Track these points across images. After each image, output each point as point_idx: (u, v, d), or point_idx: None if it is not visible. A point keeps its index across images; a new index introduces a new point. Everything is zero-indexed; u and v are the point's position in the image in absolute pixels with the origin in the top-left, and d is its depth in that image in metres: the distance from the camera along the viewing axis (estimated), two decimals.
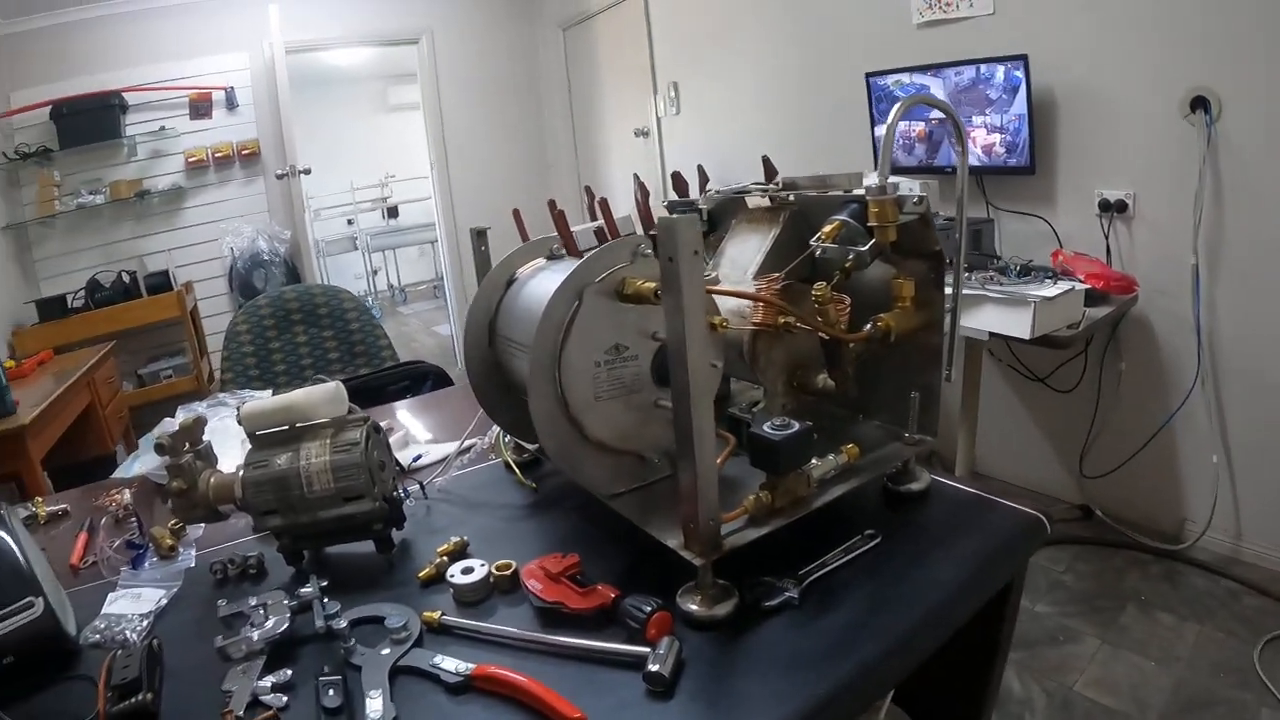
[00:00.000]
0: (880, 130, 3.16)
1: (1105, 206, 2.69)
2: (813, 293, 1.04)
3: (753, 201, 1.21)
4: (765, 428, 0.94)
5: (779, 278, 1.06)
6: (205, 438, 1.19)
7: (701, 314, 0.83)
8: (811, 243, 1.07)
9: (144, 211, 4.87)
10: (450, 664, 0.88)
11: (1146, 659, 2.29)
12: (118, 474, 1.67)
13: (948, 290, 1.10)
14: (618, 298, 1.01)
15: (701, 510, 0.87)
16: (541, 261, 1.25)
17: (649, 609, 0.89)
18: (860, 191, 1.06)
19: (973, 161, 2.85)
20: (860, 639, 0.88)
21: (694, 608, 0.91)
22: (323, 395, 1.12)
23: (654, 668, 0.82)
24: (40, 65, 4.62)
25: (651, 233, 1.22)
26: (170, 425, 1.17)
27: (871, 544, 1.02)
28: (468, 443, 1.43)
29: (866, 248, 1.02)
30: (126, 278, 4.59)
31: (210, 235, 5.00)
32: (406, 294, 8.51)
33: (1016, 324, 2.33)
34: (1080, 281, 2.49)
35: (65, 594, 1.10)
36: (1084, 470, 2.95)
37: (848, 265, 1.04)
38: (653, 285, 0.97)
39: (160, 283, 4.65)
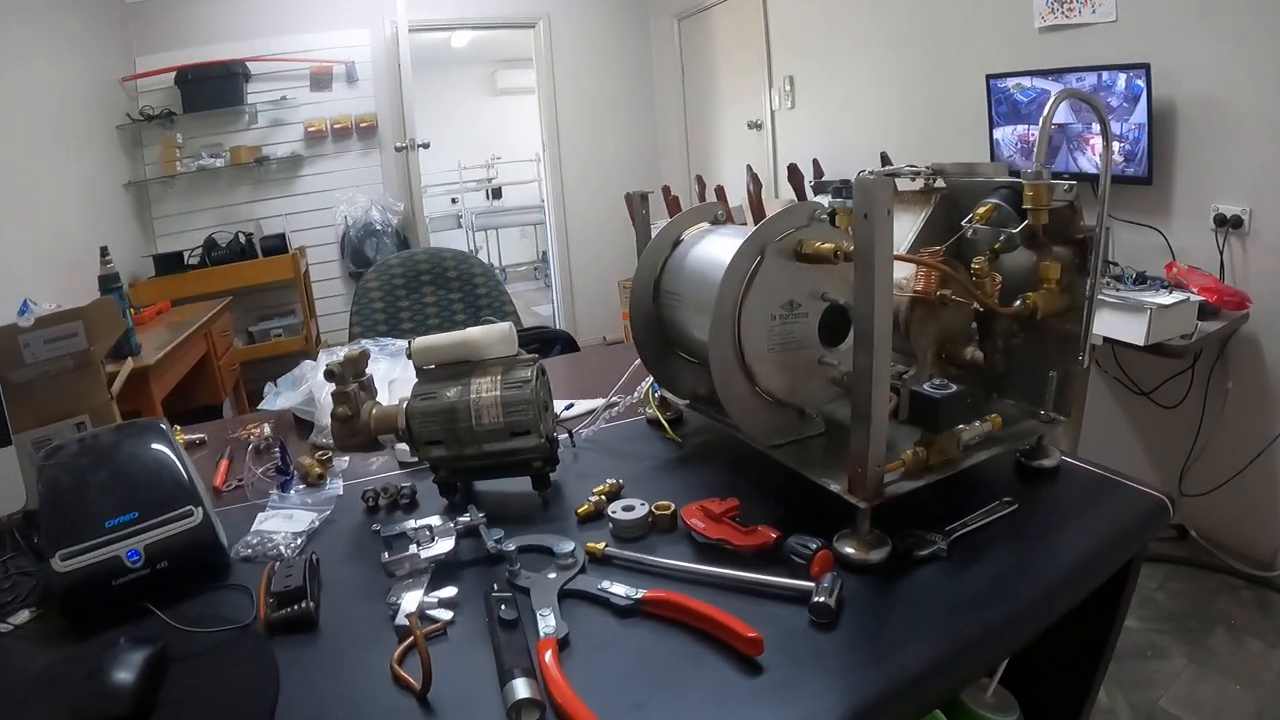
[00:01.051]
0: (1000, 132, 3.16)
1: (1221, 221, 2.64)
2: (972, 265, 1.07)
3: (904, 184, 1.23)
4: (925, 387, 0.97)
5: (940, 250, 1.08)
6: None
7: (889, 268, 0.86)
8: (964, 223, 1.10)
9: (262, 177, 5.05)
10: (620, 588, 0.92)
11: (1232, 682, 2.27)
12: (262, 407, 1.74)
13: None
14: (795, 257, 1.05)
15: (871, 456, 0.91)
16: (706, 226, 1.29)
17: (814, 546, 0.93)
18: (1010, 178, 1.10)
19: (1090, 169, 2.83)
20: (1004, 590, 0.91)
21: (851, 551, 0.95)
22: (497, 334, 1.17)
23: (820, 599, 0.85)
24: (168, 33, 4.80)
25: (832, 198, 1.26)
26: (337, 354, 1.22)
27: (1009, 510, 1.05)
28: (614, 400, 1.47)
29: (1018, 230, 1.05)
30: (243, 238, 4.77)
31: (325, 204, 5.17)
32: (507, 273, 8.58)
33: (1132, 330, 2.32)
34: (1194, 294, 2.45)
35: (219, 522, 1.14)
36: (1183, 489, 2.89)
37: (998, 246, 1.06)
38: (831, 246, 1.01)
39: (276, 245, 4.82)
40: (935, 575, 0.94)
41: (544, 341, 2.12)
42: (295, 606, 0.94)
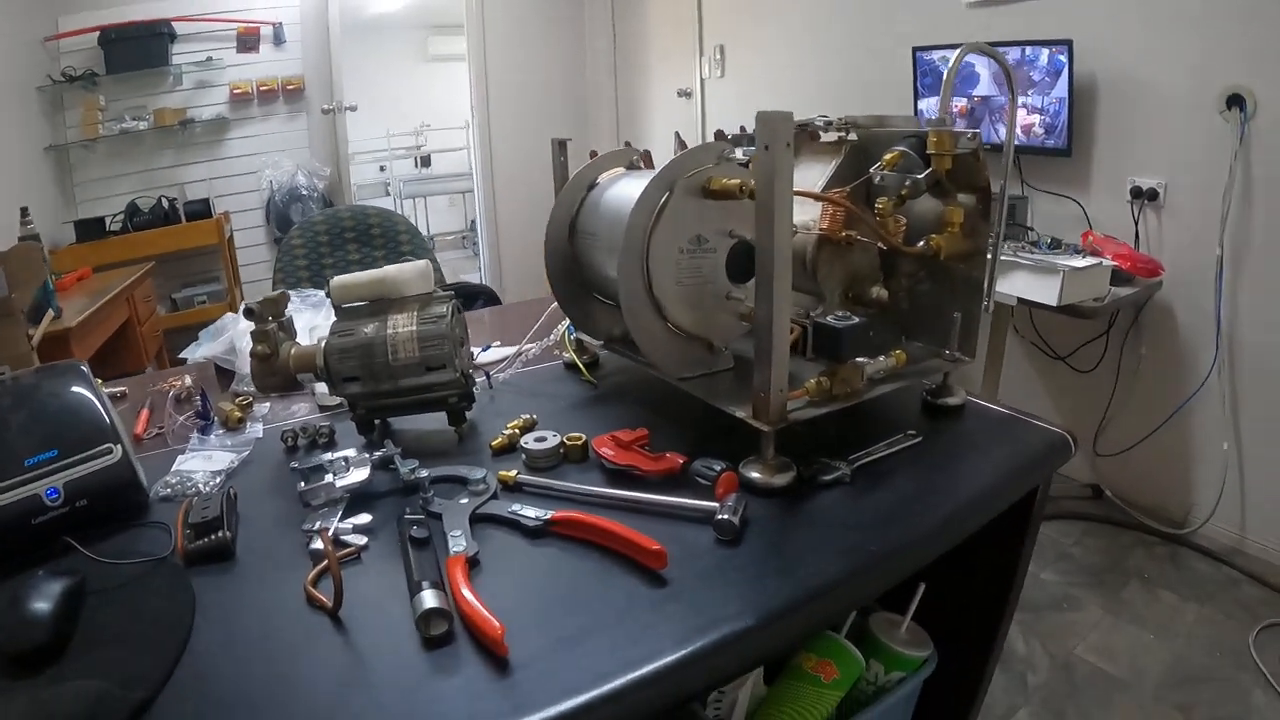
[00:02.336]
0: (924, 104, 3.23)
1: (1137, 194, 2.75)
2: (876, 206, 1.11)
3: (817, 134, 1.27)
4: (829, 319, 1.02)
5: (845, 191, 1.13)
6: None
7: (789, 195, 0.90)
8: (872, 170, 1.14)
9: (186, 140, 4.91)
10: (530, 511, 0.95)
11: (1146, 632, 2.37)
12: (184, 355, 1.73)
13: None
14: (703, 194, 1.08)
15: (774, 381, 0.94)
16: (621, 170, 1.32)
17: (719, 468, 0.98)
18: (917, 128, 1.15)
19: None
20: (905, 514, 0.96)
21: (756, 475, 0.99)
22: (414, 271, 1.18)
23: (723, 516, 0.89)
24: None
25: (736, 134, 1.29)
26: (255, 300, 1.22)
27: (912, 442, 1.10)
28: (528, 346, 1.49)
29: (923, 175, 1.09)
30: (166, 203, 4.65)
31: (250, 168, 5.05)
32: (435, 242, 8.37)
33: (1045, 291, 2.40)
34: (1107, 260, 2.54)
35: (135, 458, 1.14)
36: (1097, 449, 3.01)
37: (904, 192, 1.10)
38: (737, 181, 1.04)
39: (200, 210, 4.71)
40: (838, 499, 0.98)
41: (466, 296, 2.14)
42: (212, 537, 0.96)
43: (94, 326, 3.24)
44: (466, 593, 0.79)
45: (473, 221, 7.01)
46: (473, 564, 0.88)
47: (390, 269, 1.18)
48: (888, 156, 1.13)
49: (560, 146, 1.38)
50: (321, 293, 1.69)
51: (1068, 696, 2.16)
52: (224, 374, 1.61)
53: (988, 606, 1.24)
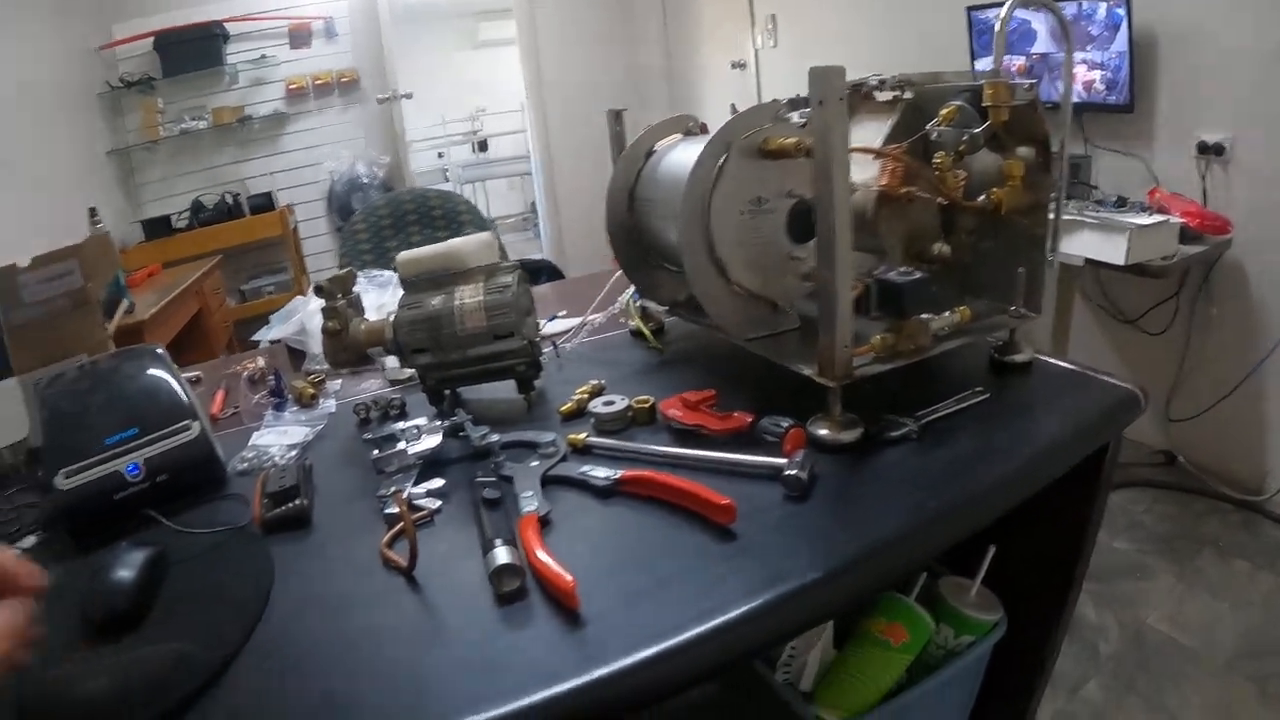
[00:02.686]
0: (980, 64, 3.17)
1: (1203, 149, 2.67)
2: (934, 161, 1.09)
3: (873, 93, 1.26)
4: (891, 275, 1.02)
5: (902, 146, 1.12)
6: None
7: (845, 147, 0.90)
8: (928, 127, 1.13)
9: (245, 137, 5.05)
10: (599, 471, 0.97)
11: (1219, 601, 2.32)
12: (258, 337, 1.78)
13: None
14: (760, 155, 1.09)
15: (838, 336, 0.95)
16: (678, 137, 1.32)
17: (786, 425, 0.98)
18: (972, 82, 1.13)
19: (1072, 98, 2.85)
20: (972, 469, 0.95)
21: (824, 432, 0.99)
22: (479, 243, 1.21)
23: (791, 472, 0.89)
24: None
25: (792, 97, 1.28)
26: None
27: (979, 399, 1.08)
28: (593, 316, 1.50)
29: (980, 130, 1.08)
30: (230, 199, 4.78)
31: (310, 160, 5.18)
32: (496, 226, 8.39)
33: (1112, 250, 2.36)
34: (1175, 217, 2.49)
35: (212, 434, 1.18)
36: (1169, 414, 2.95)
37: (962, 148, 1.09)
38: (794, 140, 1.05)
39: (263, 203, 4.86)
40: (905, 455, 0.98)
41: (530, 271, 2.15)
42: (289, 505, 0.99)
43: (167, 318, 3.33)
44: (539, 549, 0.81)
45: (533, 203, 7.04)
46: (544, 523, 0.90)
47: (455, 241, 1.21)
48: (944, 112, 1.11)
49: (616, 117, 1.39)
50: (388, 272, 1.72)
51: (1139, 667, 2.13)
52: (295, 355, 1.66)
53: (1058, 572, 1.22)
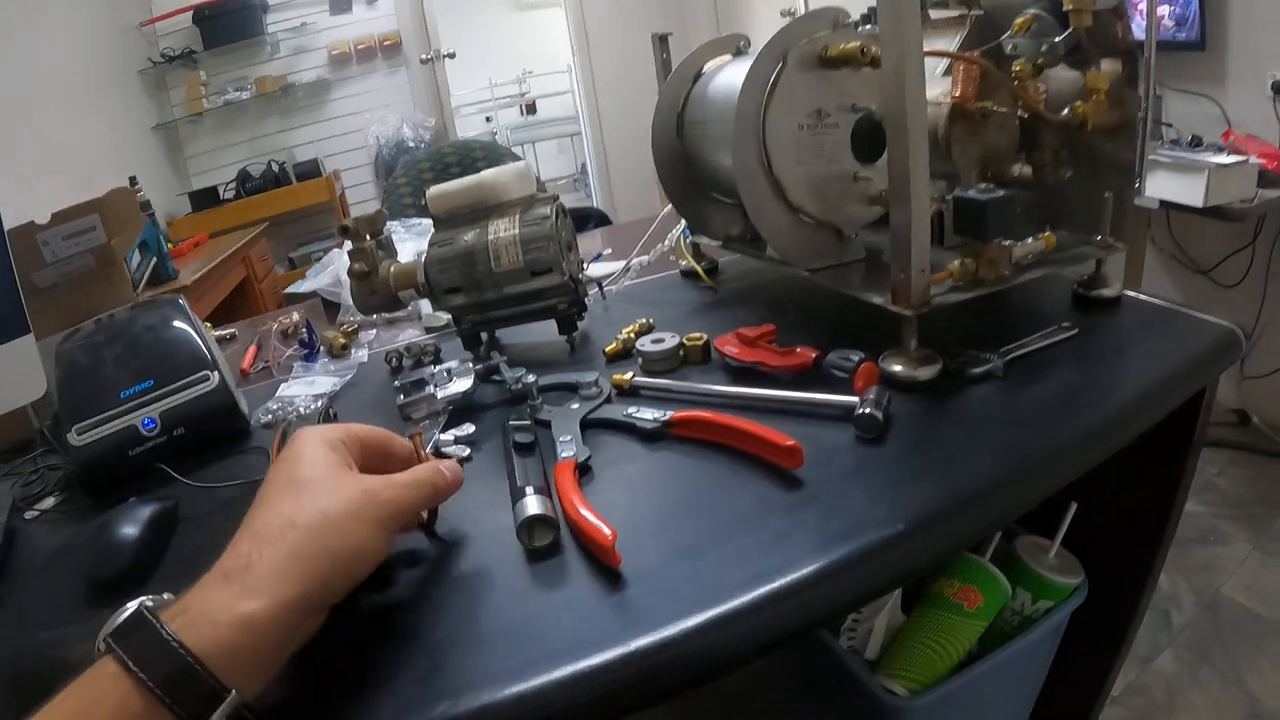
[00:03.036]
0: None
1: (1279, 89, 2.49)
2: (1014, 69, 0.97)
3: (936, 13, 1.15)
4: (970, 192, 0.89)
5: (978, 53, 1.00)
6: None
7: (919, 41, 0.77)
8: (1003, 38, 1.01)
9: (290, 105, 4.99)
10: (647, 413, 0.85)
11: None
12: (290, 290, 1.71)
13: None
14: (820, 64, 0.96)
15: (914, 259, 0.83)
16: (727, 57, 1.21)
17: (856, 359, 0.86)
18: None
19: (1140, 35, 2.69)
20: (1066, 410, 0.82)
21: (898, 368, 0.87)
22: (513, 173, 1.10)
23: (865, 410, 0.77)
24: None
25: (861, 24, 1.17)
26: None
27: (1067, 335, 0.95)
28: (641, 258, 1.39)
29: (1061, 38, 0.96)
30: (276, 167, 4.73)
31: (355, 125, 5.09)
32: (547, 188, 8.29)
33: (1189, 191, 2.21)
34: (1254, 158, 2.33)
35: (238, 391, 1.13)
36: (1244, 371, 2.79)
37: (1040, 60, 0.98)
38: (857, 45, 0.93)
39: (309, 170, 4.79)
40: (990, 395, 0.85)
41: (577, 219, 2.06)
42: None
43: (210, 285, 3.28)
44: (575, 499, 0.70)
45: (583, 164, 6.97)
46: (582, 471, 0.80)
47: (488, 172, 1.10)
48: (1019, 21, 0.99)
49: (661, 42, 1.27)
50: (427, 220, 1.63)
51: (1214, 638, 2.01)
52: (331, 307, 1.59)
53: (1143, 534, 1.10)
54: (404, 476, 0.66)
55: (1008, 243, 0.92)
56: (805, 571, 0.63)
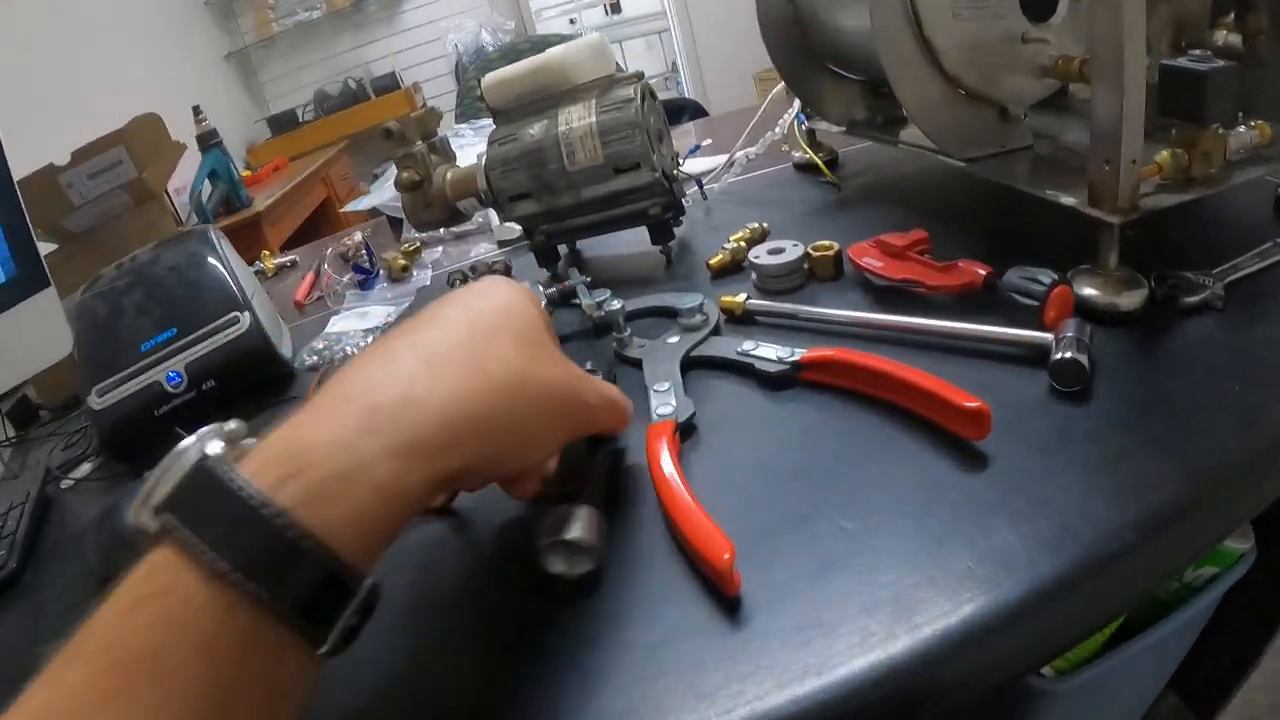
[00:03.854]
0: None
1: None
2: None
3: None
4: (1183, 61, 0.64)
5: None
6: None
7: None
8: None
9: (362, 20, 4.67)
10: (769, 350, 0.62)
11: None
12: (348, 209, 1.52)
13: None
14: None
15: (1125, 146, 0.57)
16: None
17: (1047, 280, 0.59)
18: None
19: None
20: None
21: (1092, 292, 0.61)
22: (585, 49, 0.85)
23: (1065, 355, 0.53)
24: None
25: None
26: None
27: None
28: (746, 150, 1.12)
29: None
30: (353, 84, 4.46)
31: (433, 35, 4.71)
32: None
33: None
34: None
35: (287, 327, 0.99)
36: None
37: None
38: None
39: (388, 84, 4.50)
40: (1210, 331, 0.59)
41: (670, 112, 1.81)
42: None
43: (287, 209, 3.10)
44: (680, 489, 0.48)
45: (673, 62, 6.60)
46: (684, 433, 0.57)
47: (554, 50, 0.86)
48: None
49: None
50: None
51: None
52: (397, 225, 1.38)
53: None
54: (608, 388, 0.51)
55: (1222, 131, 0.66)
56: (1002, 602, 0.40)
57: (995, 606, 0.40)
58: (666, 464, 0.50)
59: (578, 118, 0.82)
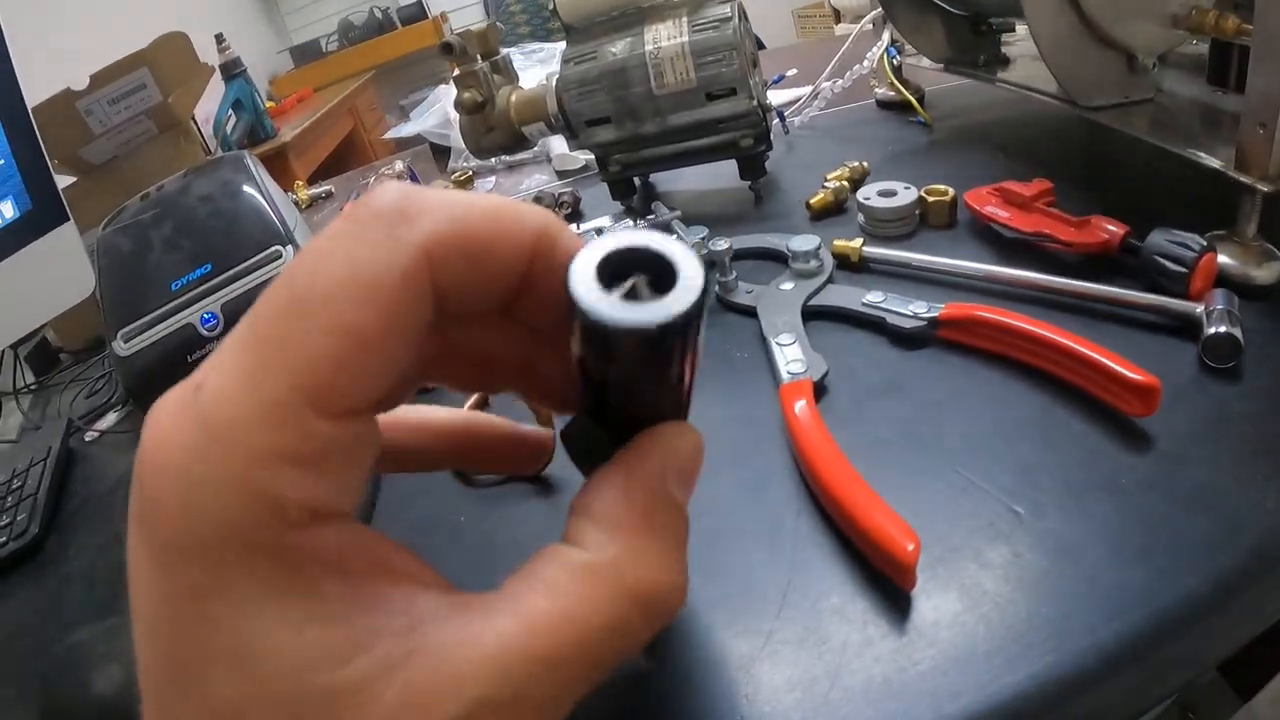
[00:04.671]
0: None
1: None
2: None
3: None
4: None
5: None
6: None
7: None
8: None
9: None
10: (902, 305, 0.54)
11: None
12: (389, 135, 1.42)
13: None
14: None
15: None
16: None
17: (1196, 247, 0.51)
18: None
19: None
20: None
21: (1229, 261, 0.53)
22: None
23: (1219, 329, 0.45)
24: None
25: None
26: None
27: None
28: (832, 81, 1.01)
29: None
30: (379, 13, 4.25)
31: None
32: None
33: None
34: None
35: None
36: None
37: None
38: None
39: (414, 13, 4.27)
40: None
41: None
42: None
43: (315, 140, 2.94)
44: (839, 461, 0.40)
45: None
46: (818, 392, 0.49)
47: None
48: None
49: None
50: (549, 45, 1.31)
51: None
52: (441, 154, 1.27)
53: None
54: None
55: None
56: (1171, 600, 0.34)
57: (1173, 608, 0.34)
58: (817, 434, 0.42)
59: (667, 36, 0.72)
